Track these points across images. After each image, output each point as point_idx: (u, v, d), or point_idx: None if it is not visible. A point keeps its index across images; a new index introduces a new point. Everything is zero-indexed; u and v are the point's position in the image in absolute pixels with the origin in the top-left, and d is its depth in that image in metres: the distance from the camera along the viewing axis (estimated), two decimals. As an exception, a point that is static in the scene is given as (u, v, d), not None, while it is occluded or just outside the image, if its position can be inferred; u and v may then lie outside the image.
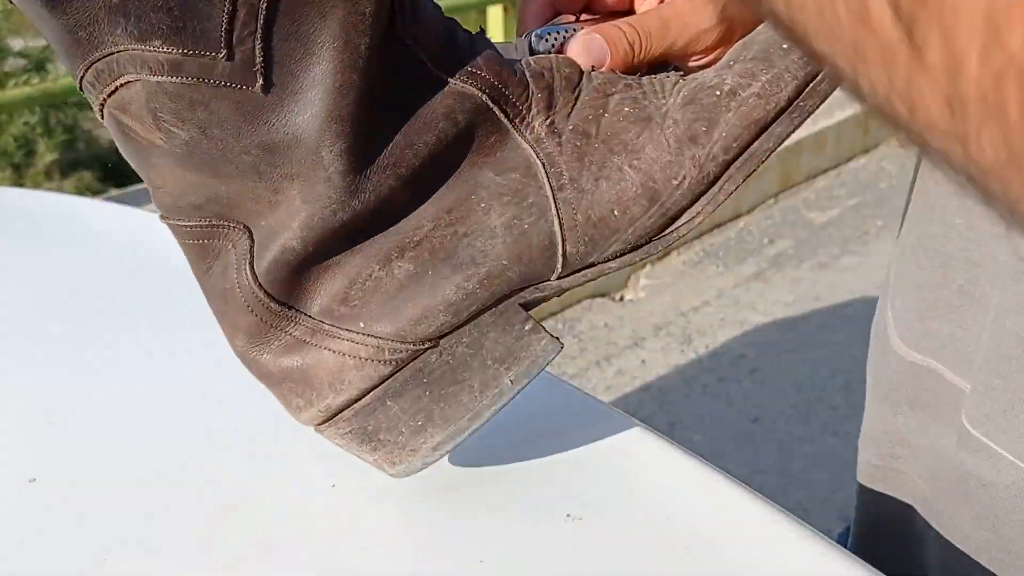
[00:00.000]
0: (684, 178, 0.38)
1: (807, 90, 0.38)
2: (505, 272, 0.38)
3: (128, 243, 0.78)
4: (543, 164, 0.38)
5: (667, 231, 0.39)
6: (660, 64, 0.42)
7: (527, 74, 0.39)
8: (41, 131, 3.51)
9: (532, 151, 0.38)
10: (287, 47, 0.35)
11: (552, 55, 0.40)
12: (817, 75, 0.38)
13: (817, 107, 0.39)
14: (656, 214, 0.38)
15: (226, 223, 0.38)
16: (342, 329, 0.38)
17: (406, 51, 0.37)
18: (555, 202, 0.37)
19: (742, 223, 3.10)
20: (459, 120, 0.37)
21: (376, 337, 0.38)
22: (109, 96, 0.36)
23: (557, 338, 0.39)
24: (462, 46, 0.38)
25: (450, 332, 0.38)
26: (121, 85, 0.35)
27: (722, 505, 0.40)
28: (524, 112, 0.38)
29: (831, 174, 3.48)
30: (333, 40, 0.35)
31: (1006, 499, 0.43)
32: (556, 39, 0.41)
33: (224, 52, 0.34)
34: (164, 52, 0.34)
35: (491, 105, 0.38)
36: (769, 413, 2.08)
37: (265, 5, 0.34)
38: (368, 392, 0.38)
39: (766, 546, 0.37)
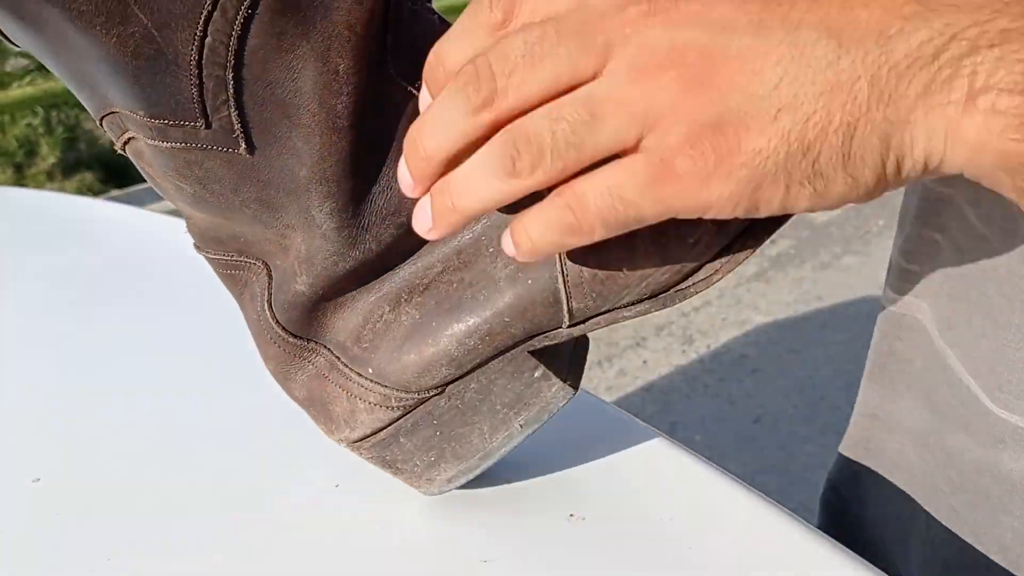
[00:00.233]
0: (700, 238, 0.34)
1: None
2: (508, 328, 0.36)
3: (129, 243, 0.78)
4: None
5: (683, 285, 0.35)
6: None
7: None
8: (43, 131, 3.51)
9: None
10: (264, 112, 0.34)
11: None
12: None
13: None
14: (670, 271, 0.35)
15: (247, 259, 0.39)
16: (353, 372, 0.38)
17: (401, 90, 0.36)
18: (560, 257, 0.35)
19: (744, 223, 3.09)
20: None
21: (382, 386, 0.38)
22: (124, 145, 0.37)
23: (570, 383, 0.38)
24: None
25: (455, 381, 0.38)
26: (131, 139, 0.36)
27: (724, 505, 0.40)
28: None
29: (833, 174, 3.47)
30: (308, 103, 0.34)
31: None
32: None
33: (202, 121, 0.34)
34: (149, 121, 0.34)
35: None
36: (771, 413, 2.08)
37: (232, 76, 0.33)
38: (380, 431, 0.39)
39: (768, 546, 0.37)
